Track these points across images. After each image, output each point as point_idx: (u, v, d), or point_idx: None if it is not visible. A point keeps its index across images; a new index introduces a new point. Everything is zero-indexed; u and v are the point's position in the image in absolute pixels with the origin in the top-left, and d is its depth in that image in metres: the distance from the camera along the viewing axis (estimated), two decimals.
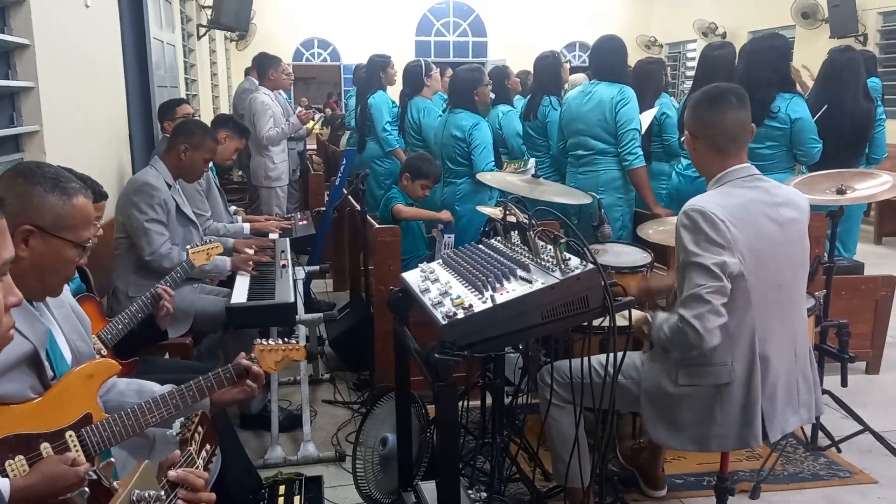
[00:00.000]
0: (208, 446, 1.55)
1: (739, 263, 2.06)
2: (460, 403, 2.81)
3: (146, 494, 1.08)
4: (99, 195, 2.46)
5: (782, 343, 2.17)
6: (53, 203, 1.59)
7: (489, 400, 2.56)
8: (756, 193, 2.17)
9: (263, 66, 5.73)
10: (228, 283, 3.30)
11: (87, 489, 1.16)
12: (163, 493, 1.13)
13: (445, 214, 4.21)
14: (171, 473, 1.32)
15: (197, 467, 1.41)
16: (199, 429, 1.55)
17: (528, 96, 5.19)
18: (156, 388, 1.88)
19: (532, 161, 4.76)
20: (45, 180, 1.60)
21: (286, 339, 2.03)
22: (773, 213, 2.14)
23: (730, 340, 2.11)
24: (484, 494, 2.32)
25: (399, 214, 3.99)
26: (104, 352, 2.24)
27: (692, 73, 12.92)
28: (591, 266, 1.77)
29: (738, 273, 2.06)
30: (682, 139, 2.45)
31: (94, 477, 1.25)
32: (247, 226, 4.04)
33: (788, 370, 2.18)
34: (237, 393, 1.87)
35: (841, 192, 2.94)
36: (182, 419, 1.63)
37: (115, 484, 1.24)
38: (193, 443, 1.49)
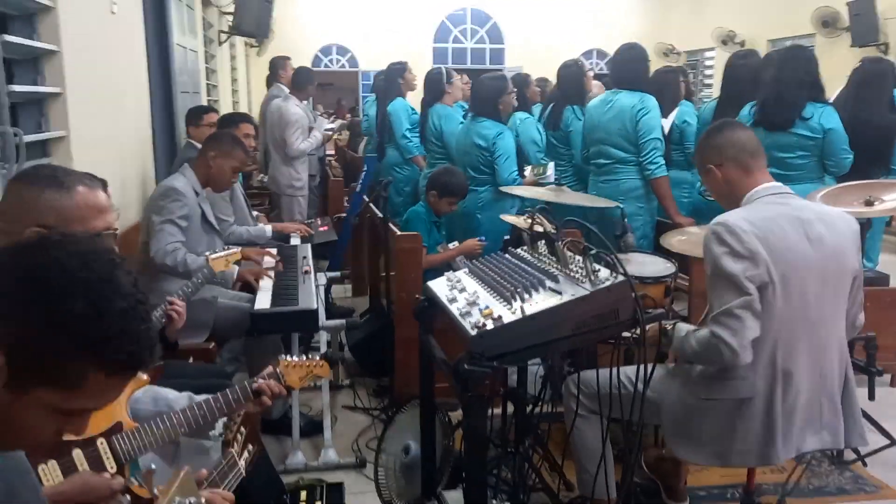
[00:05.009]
0: (251, 447, 1.56)
1: (764, 275, 2.04)
2: None
3: (188, 501, 1.09)
4: (105, 183, 2.41)
5: (807, 359, 2.13)
6: (52, 199, 1.58)
7: (510, 408, 2.54)
8: (786, 209, 2.16)
9: (301, 79, 5.74)
10: (250, 288, 3.31)
11: (127, 496, 1.16)
12: (203, 500, 1.13)
13: (471, 246, 3.92)
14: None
15: (239, 470, 1.41)
16: (242, 429, 1.55)
17: (551, 105, 5.15)
18: (171, 396, 1.88)
19: (551, 165, 4.72)
20: (40, 179, 1.60)
21: (309, 356, 2.05)
22: (803, 228, 2.12)
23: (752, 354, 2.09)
24: None
25: (428, 265, 3.72)
26: None
27: (710, 80, 12.89)
28: (621, 277, 1.76)
29: (761, 285, 2.04)
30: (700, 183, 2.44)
31: (137, 483, 1.25)
32: (268, 228, 4.04)
33: (812, 388, 2.14)
34: (253, 407, 1.86)
35: (869, 203, 2.92)
36: (224, 420, 1.63)
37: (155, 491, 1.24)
38: (236, 443, 1.49)
